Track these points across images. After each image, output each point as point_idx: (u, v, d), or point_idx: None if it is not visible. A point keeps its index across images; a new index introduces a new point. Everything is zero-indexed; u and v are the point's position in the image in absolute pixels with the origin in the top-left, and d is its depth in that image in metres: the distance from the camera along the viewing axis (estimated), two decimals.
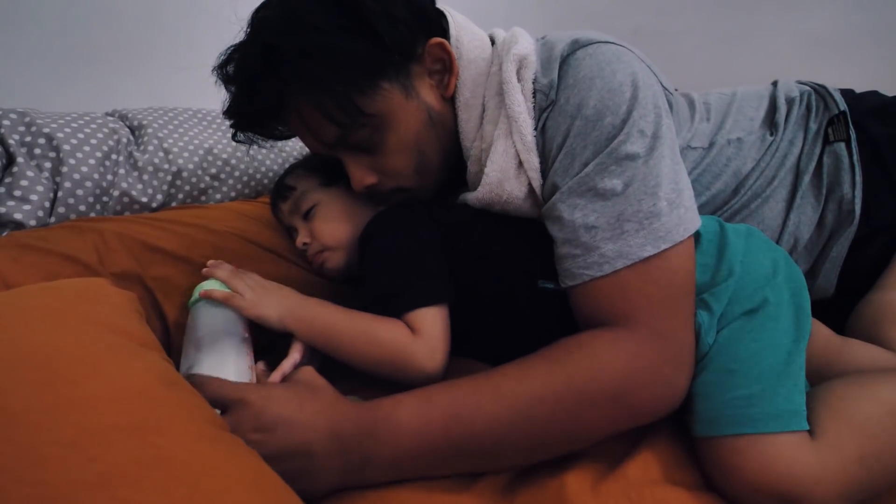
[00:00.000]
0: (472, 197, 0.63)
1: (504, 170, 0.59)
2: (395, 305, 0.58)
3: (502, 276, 0.61)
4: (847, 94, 0.73)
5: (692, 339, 0.52)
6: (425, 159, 0.64)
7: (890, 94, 0.77)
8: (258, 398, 0.45)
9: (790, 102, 0.71)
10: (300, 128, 0.63)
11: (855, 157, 0.65)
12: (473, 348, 0.63)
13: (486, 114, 0.61)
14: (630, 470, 0.48)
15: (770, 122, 0.70)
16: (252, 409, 0.44)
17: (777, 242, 0.66)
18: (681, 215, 0.52)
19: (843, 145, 0.66)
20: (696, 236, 0.57)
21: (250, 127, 0.64)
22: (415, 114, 0.61)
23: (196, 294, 0.60)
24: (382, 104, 0.59)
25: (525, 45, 0.60)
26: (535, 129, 0.58)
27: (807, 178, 0.66)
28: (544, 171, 0.58)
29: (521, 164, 0.59)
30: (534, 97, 0.58)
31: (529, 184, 0.59)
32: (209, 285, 0.60)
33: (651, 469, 0.49)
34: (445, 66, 0.62)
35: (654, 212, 0.51)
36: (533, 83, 0.58)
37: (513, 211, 0.62)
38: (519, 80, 0.59)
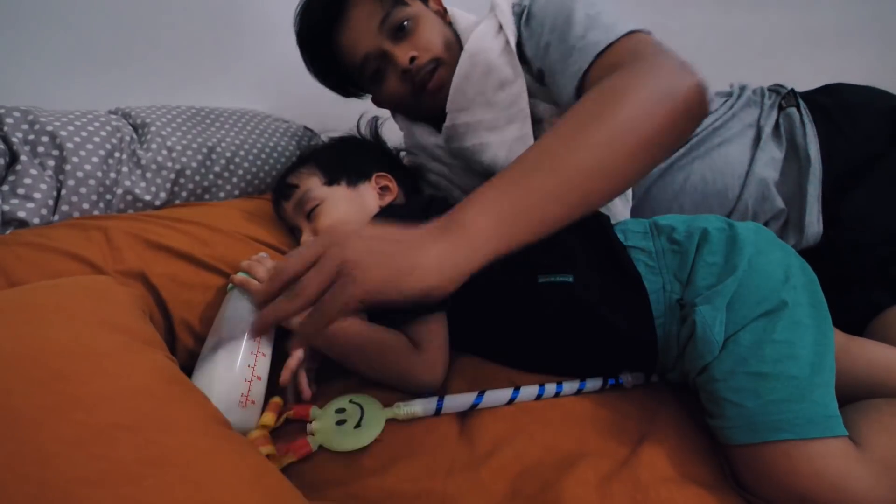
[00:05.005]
0: (448, 103, 0.76)
1: (483, 35, 0.75)
2: (394, 317, 0.58)
3: (501, 272, 0.61)
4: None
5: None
6: (448, 39, 0.80)
7: (891, 90, 0.81)
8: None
9: (742, 88, 0.85)
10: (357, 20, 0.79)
11: (805, 117, 0.77)
12: (476, 345, 0.63)
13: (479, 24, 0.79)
14: (636, 469, 0.48)
15: (724, 95, 0.85)
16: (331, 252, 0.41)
17: (746, 179, 0.75)
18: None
19: (794, 109, 0.79)
20: (706, 234, 0.56)
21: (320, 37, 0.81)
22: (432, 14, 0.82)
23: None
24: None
25: None
26: (517, 37, 0.75)
27: (767, 131, 0.78)
28: (537, 71, 0.73)
29: (500, 28, 0.75)
30: (514, 16, 0.77)
31: (507, 41, 0.74)
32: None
33: (657, 468, 0.49)
34: None
35: (616, 14, 0.65)
36: (513, 7, 0.78)
37: (491, 85, 0.74)
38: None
